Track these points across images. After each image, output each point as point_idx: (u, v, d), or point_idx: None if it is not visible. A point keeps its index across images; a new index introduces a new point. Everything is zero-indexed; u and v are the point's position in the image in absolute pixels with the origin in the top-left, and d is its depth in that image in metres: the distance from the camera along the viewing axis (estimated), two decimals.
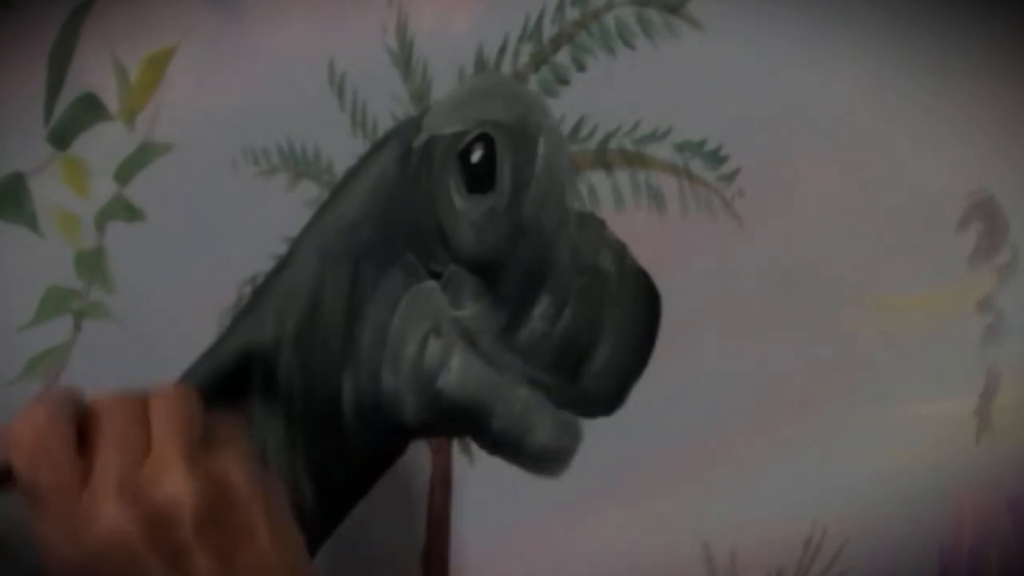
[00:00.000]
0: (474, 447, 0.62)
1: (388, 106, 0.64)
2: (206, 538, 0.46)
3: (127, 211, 0.73)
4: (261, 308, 0.68)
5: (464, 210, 0.61)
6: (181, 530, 0.46)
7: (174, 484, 0.46)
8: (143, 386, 0.49)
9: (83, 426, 0.48)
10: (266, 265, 0.68)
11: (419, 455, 0.63)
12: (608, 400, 0.59)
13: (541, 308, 0.59)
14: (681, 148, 0.56)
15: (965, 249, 0.51)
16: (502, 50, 0.61)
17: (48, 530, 0.48)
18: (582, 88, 0.59)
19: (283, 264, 0.68)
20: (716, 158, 0.56)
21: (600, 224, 0.59)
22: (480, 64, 0.61)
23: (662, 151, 0.57)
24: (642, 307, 0.58)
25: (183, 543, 0.46)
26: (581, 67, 0.59)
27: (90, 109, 0.73)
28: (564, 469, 0.60)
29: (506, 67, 0.61)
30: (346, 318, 0.64)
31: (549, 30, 0.59)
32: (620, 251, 0.58)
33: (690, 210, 0.56)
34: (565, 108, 0.59)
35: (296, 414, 0.66)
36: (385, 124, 0.64)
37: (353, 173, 0.65)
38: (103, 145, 0.73)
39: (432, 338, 0.61)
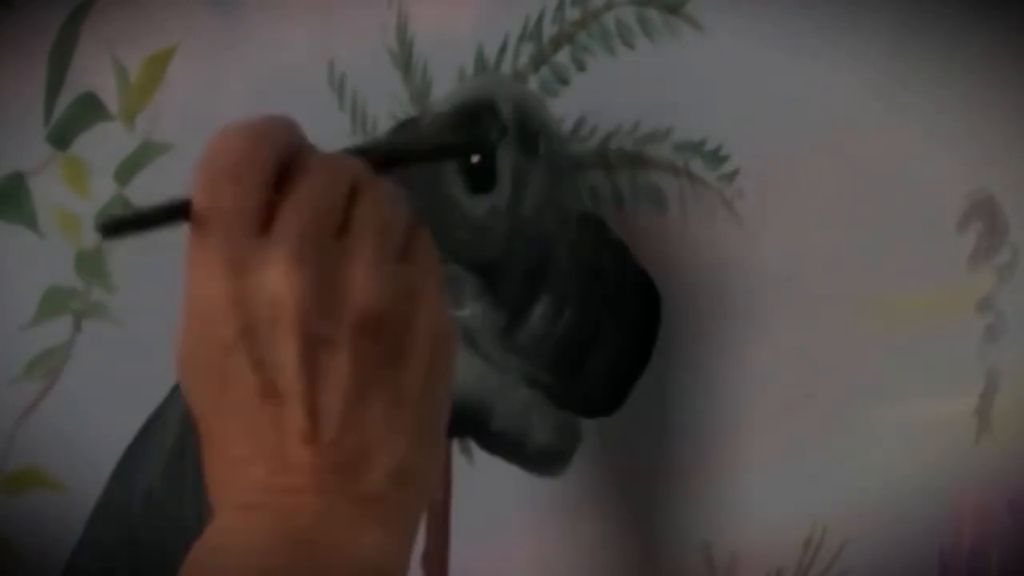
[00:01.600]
0: (474, 447, 0.62)
1: (388, 106, 0.64)
2: (360, 342, 0.41)
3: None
4: None
5: (464, 210, 0.61)
6: (342, 323, 0.41)
7: (361, 275, 0.41)
8: (357, 160, 0.44)
9: (284, 169, 0.42)
10: None
11: None
12: (608, 400, 0.59)
13: (541, 308, 0.59)
14: (681, 148, 0.56)
15: (965, 249, 0.51)
16: (502, 50, 0.61)
17: (207, 256, 0.42)
18: (582, 88, 0.59)
19: None
20: (716, 158, 0.56)
21: (600, 224, 0.59)
22: (480, 64, 0.61)
23: (662, 151, 0.57)
24: (642, 307, 0.58)
25: (335, 336, 0.41)
26: (581, 67, 0.59)
27: (90, 109, 0.73)
28: (564, 469, 0.60)
29: (506, 67, 0.61)
30: None
31: (549, 30, 0.59)
32: (620, 251, 0.58)
33: (690, 210, 0.56)
34: (565, 108, 0.59)
35: None
36: (385, 124, 0.64)
37: None
38: (103, 145, 0.73)
39: None
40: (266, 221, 0.41)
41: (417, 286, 0.43)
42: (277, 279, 0.41)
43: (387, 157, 0.49)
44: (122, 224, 0.46)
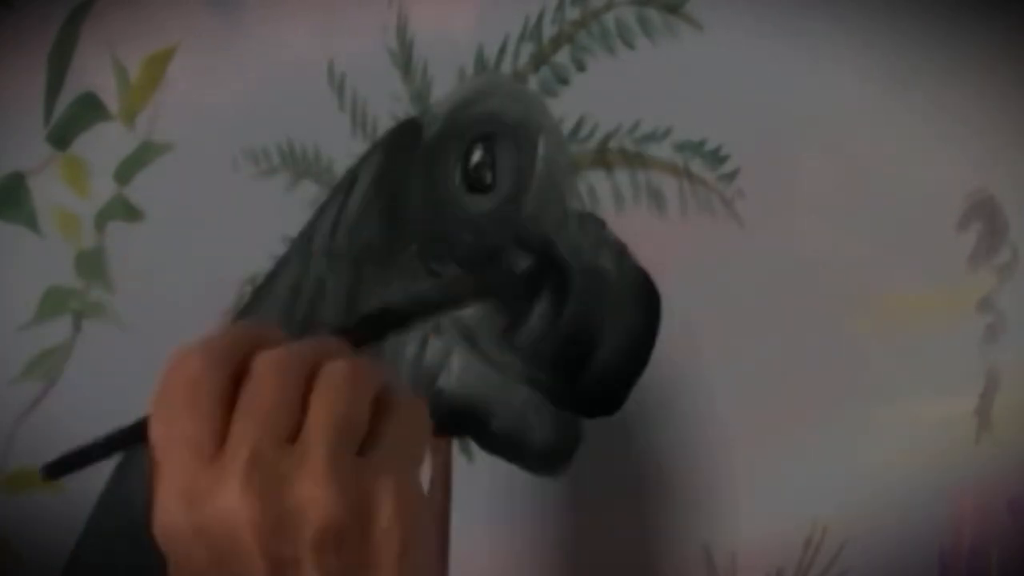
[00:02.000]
0: (474, 447, 0.62)
1: (388, 106, 0.64)
2: (323, 558, 0.41)
3: (127, 211, 0.73)
4: (261, 308, 0.69)
5: (464, 210, 0.61)
6: (300, 542, 0.41)
7: (311, 488, 0.41)
8: (317, 343, 0.43)
9: (237, 376, 0.42)
10: (266, 265, 0.68)
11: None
12: (608, 400, 0.59)
13: (541, 308, 0.59)
14: (681, 148, 0.56)
15: (965, 249, 0.51)
16: (502, 50, 0.61)
17: (165, 486, 0.42)
18: (582, 88, 0.59)
19: (283, 264, 0.68)
20: (716, 158, 0.56)
21: (600, 224, 0.59)
22: (480, 64, 0.61)
23: (662, 151, 0.57)
24: (642, 307, 0.58)
25: (296, 556, 0.41)
26: (581, 67, 0.59)
27: (90, 109, 0.73)
28: (564, 469, 0.60)
29: (506, 67, 0.61)
30: (346, 318, 0.64)
31: (549, 30, 0.59)
32: (620, 251, 0.58)
33: (690, 210, 0.56)
34: (565, 108, 0.59)
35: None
36: (385, 124, 0.64)
37: (353, 173, 0.65)
38: (103, 145, 0.73)
39: (432, 338, 0.62)
40: (223, 434, 0.42)
41: (378, 480, 0.42)
42: (230, 508, 0.41)
43: (369, 330, 0.48)
44: (71, 461, 0.46)
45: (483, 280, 0.55)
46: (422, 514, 0.44)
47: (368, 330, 0.48)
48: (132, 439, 0.44)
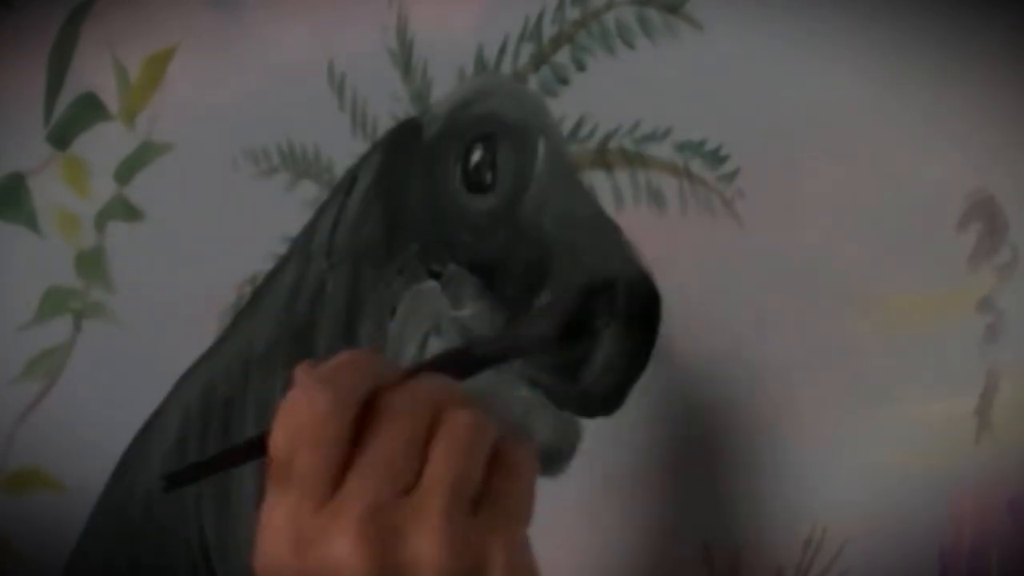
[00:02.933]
0: None
1: (388, 106, 0.64)
2: None
3: (127, 211, 0.73)
4: (261, 308, 0.69)
5: (464, 210, 0.61)
6: None
7: (427, 545, 0.40)
8: (437, 386, 0.43)
9: (360, 420, 0.42)
10: (266, 265, 0.68)
11: None
12: (608, 400, 0.59)
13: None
14: (681, 148, 0.56)
15: (965, 249, 0.51)
16: (502, 50, 0.61)
17: (274, 524, 0.41)
18: (582, 88, 0.59)
19: (283, 264, 0.68)
20: (716, 158, 0.56)
21: (610, 225, 0.59)
22: (480, 64, 0.61)
23: (662, 151, 0.57)
24: (642, 307, 0.58)
25: None
26: (581, 67, 0.59)
27: (90, 109, 0.73)
28: (564, 469, 0.60)
29: (506, 67, 0.61)
30: (346, 318, 0.64)
31: (549, 30, 0.59)
32: (622, 250, 0.58)
33: (690, 210, 0.56)
34: (565, 108, 0.59)
35: None
36: (385, 124, 0.64)
37: (353, 173, 0.65)
38: (103, 145, 0.73)
39: (432, 338, 0.62)
40: (339, 477, 0.41)
41: (491, 538, 0.42)
42: (341, 557, 0.40)
43: (480, 361, 0.48)
44: (190, 473, 0.45)
45: (559, 323, 0.55)
46: (530, 560, 0.43)
47: (455, 368, 0.47)
48: (253, 455, 0.43)
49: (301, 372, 0.43)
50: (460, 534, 0.41)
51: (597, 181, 0.59)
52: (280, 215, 0.68)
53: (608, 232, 0.58)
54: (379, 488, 0.41)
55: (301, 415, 0.41)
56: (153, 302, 0.72)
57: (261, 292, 0.69)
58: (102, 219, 0.74)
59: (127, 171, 0.73)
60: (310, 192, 0.67)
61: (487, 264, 0.60)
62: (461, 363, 0.48)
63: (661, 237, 0.57)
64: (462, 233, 0.61)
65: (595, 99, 0.59)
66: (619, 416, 0.59)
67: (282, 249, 0.68)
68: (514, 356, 0.55)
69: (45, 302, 0.75)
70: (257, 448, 0.43)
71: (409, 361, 0.62)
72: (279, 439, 0.42)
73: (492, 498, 0.43)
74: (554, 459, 0.60)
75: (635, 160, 0.58)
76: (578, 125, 0.59)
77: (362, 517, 0.40)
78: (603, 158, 0.58)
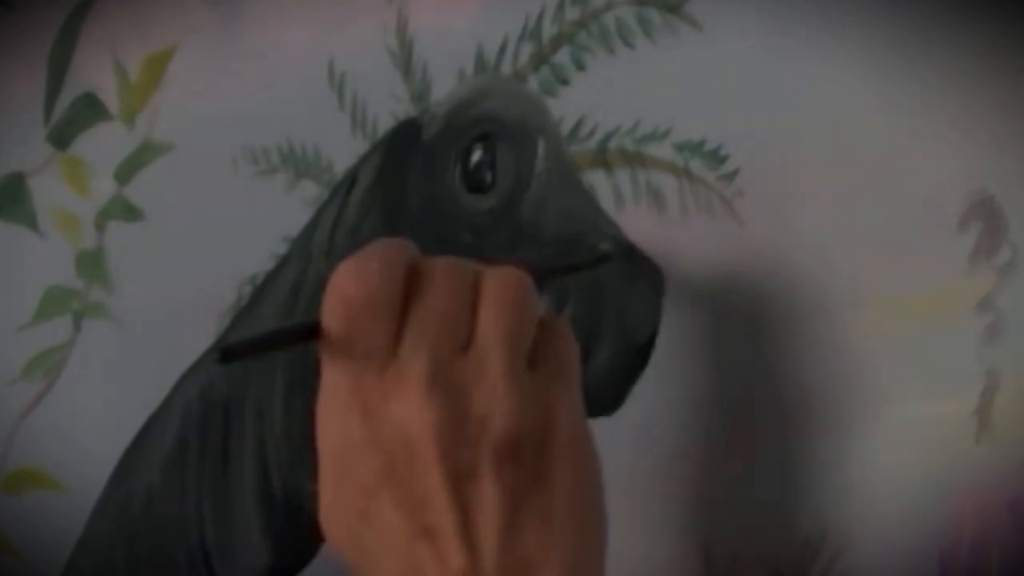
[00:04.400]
0: None
1: (388, 106, 0.64)
2: (503, 468, 0.40)
3: (127, 211, 0.73)
4: (261, 308, 0.69)
5: (464, 210, 0.61)
6: (481, 450, 0.40)
7: (492, 397, 0.40)
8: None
9: (407, 285, 0.41)
10: (266, 265, 0.68)
11: None
12: (608, 400, 0.59)
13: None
14: (681, 148, 0.56)
15: (965, 249, 0.51)
16: (502, 50, 0.61)
17: (335, 395, 0.41)
18: (582, 88, 0.59)
19: (283, 264, 0.68)
20: (716, 158, 0.56)
21: (599, 223, 0.59)
22: (480, 64, 0.61)
23: (662, 151, 0.57)
24: (642, 307, 0.58)
25: (476, 465, 0.40)
26: (581, 67, 0.59)
27: (90, 109, 0.73)
28: None
29: (506, 67, 0.61)
30: None
31: (549, 30, 0.59)
32: (623, 250, 0.58)
33: (690, 210, 0.56)
34: (565, 108, 0.59)
35: (296, 411, 0.66)
36: (385, 124, 0.64)
37: (353, 173, 0.65)
38: (103, 145, 0.73)
39: None
40: (396, 343, 0.41)
41: (551, 395, 0.42)
42: (409, 415, 0.40)
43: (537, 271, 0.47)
44: (245, 347, 0.43)
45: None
46: (590, 435, 0.43)
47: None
48: (306, 335, 0.42)
49: (344, 262, 0.42)
50: (521, 390, 0.41)
51: (597, 181, 0.59)
52: (280, 215, 0.68)
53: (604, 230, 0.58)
54: (437, 346, 0.40)
55: (352, 285, 0.41)
56: (153, 302, 0.72)
57: (261, 292, 0.69)
58: (102, 219, 0.74)
59: (127, 171, 0.73)
60: (310, 192, 0.67)
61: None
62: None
63: (661, 237, 0.57)
64: (462, 233, 0.61)
65: (595, 99, 0.59)
66: (619, 416, 0.59)
67: (282, 249, 0.68)
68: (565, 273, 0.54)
69: (45, 302, 0.75)
70: (311, 330, 0.42)
71: None
72: (334, 311, 0.41)
73: (544, 357, 0.42)
74: None
75: (635, 160, 0.58)
76: (578, 125, 0.59)
77: (426, 374, 0.40)
78: (603, 158, 0.58)
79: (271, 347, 0.44)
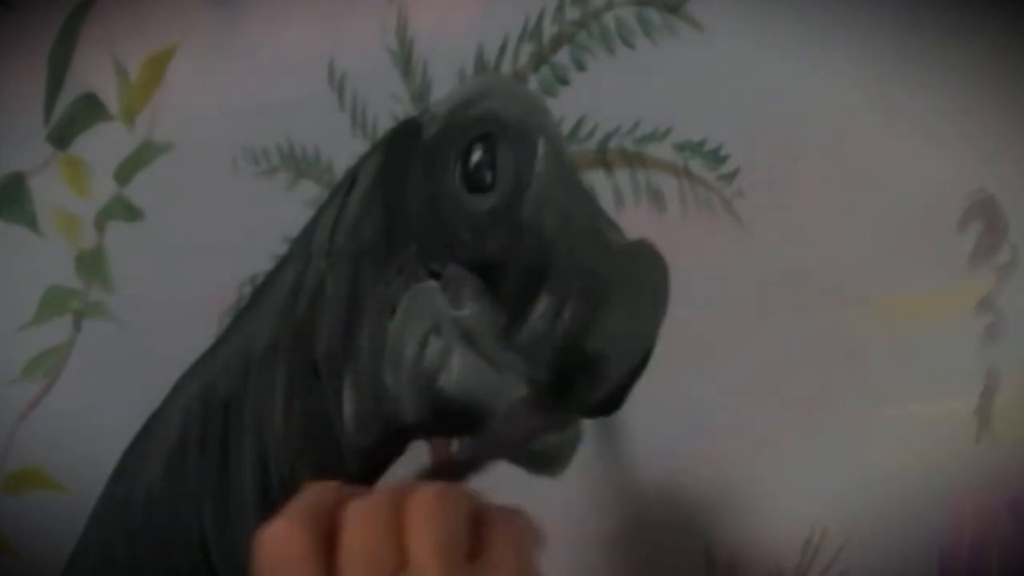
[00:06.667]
0: None
1: (388, 106, 0.64)
2: None
3: (127, 211, 0.73)
4: (261, 308, 0.69)
5: (464, 210, 0.61)
6: None
7: None
8: (396, 487, 0.45)
9: (332, 530, 0.43)
10: (266, 265, 0.68)
11: (419, 455, 0.63)
12: (608, 400, 0.59)
13: (541, 308, 0.59)
14: (681, 148, 0.56)
15: (965, 249, 0.51)
16: (502, 50, 0.61)
17: None
18: (582, 88, 0.59)
19: (283, 264, 0.68)
20: (716, 158, 0.56)
21: (600, 222, 0.59)
22: (480, 64, 0.61)
23: (662, 151, 0.57)
24: (643, 306, 0.58)
25: None
26: (581, 67, 0.59)
27: (90, 109, 0.73)
28: (564, 469, 0.60)
29: (506, 67, 0.61)
30: (346, 318, 0.64)
31: (549, 30, 0.59)
32: (625, 249, 0.58)
33: (690, 210, 0.56)
34: (565, 108, 0.59)
35: (296, 412, 0.66)
36: (385, 124, 0.64)
37: (353, 173, 0.65)
38: (103, 145, 0.73)
39: (432, 338, 0.61)
40: None
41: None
42: None
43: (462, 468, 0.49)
44: None
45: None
46: None
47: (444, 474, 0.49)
48: None
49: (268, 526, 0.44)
50: None
51: (597, 181, 0.59)
52: (280, 215, 0.68)
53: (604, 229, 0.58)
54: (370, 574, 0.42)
55: (266, 545, 0.43)
56: (153, 302, 0.72)
57: (261, 292, 0.69)
58: (102, 219, 0.74)
59: (127, 171, 0.72)
60: (310, 192, 0.67)
61: (487, 264, 0.60)
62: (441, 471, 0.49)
63: (661, 237, 0.57)
64: (462, 233, 0.61)
65: (595, 99, 0.59)
66: (619, 416, 0.59)
67: (282, 249, 0.68)
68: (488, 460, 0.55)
69: (45, 302, 0.75)
70: None
71: (408, 361, 0.62)
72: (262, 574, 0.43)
73: (486, 550, 0.44)
74: (554, 459, 0.60)
75: (635, 160, 0.58)
76: (578, 125, 0.59)
77: None
78: (603, 158, 0.58)
79: None
